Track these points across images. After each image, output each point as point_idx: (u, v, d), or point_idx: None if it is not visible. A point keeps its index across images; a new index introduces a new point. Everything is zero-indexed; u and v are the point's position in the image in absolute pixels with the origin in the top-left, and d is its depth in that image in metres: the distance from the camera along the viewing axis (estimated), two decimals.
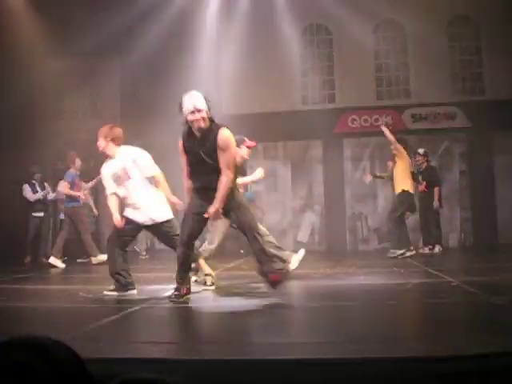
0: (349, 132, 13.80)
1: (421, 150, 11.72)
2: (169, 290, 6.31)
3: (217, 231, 6.80)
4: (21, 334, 1.18)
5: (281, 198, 13.74)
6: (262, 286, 6.45)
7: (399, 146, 10.30)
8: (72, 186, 10.51)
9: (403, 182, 10.27)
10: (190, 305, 5.35)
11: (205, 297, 5.87)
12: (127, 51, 13.13)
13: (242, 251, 12.91)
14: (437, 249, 11.19)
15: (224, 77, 13.72)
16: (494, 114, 12.56)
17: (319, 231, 13.84)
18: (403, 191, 10.19)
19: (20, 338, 1.17)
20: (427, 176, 11.40)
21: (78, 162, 10.61)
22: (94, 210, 11.81)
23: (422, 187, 11.31)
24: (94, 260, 10.40)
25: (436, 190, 11.35)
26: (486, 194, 13.18)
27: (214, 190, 5.12)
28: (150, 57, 12.88)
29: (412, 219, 11.41)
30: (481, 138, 13.09)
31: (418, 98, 13.63)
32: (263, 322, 4.46)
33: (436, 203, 11.31)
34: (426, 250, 11.14)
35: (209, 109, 5.27)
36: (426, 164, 11.59)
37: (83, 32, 11.71)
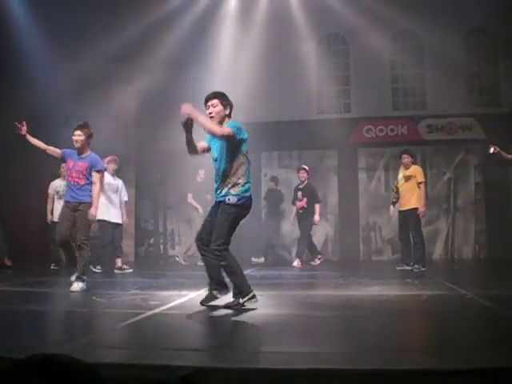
0: (364, 142, 13.79)
1: (305, 166, 11.76)
2: (180, 296, 6.34)
3: None
4: (30, 356, 1.09)
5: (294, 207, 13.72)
6: (275, 295, 6.46)
7: None
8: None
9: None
10: (202, 311, 5.36)
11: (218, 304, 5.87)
12: (143, 59, 13.24)
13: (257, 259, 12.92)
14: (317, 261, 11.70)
15: (240, 86, 13.77)
16: (510, 126, 12.49)
17: (333, 241, 13.81)
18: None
19: (27, 362, 1.08)
20: (307, 192, 11.55)
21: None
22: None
23: (301, 203, 11.53)
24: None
25: (316, 206, 11.55)
26: (501, 207, 13.09)
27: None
28: (165, 65, 12.97)
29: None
30: None
31: (434, 108, 13.60)
32: (275, 331, 4.46)
33: (316, 219, 11.54)
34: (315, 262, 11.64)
35: None
36: (307, 180, 11.67)
37: (101, 39, 11.81)
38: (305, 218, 11.53)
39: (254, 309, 5.28)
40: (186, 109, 5.29)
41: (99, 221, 9.77)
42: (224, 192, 5.40)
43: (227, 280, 5.57)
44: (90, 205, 7.06)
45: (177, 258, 12.50)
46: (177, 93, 13.16)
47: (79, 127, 7.24)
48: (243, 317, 5.06)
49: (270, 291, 7.04)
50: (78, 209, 7.04)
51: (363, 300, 6.42)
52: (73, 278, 7.07)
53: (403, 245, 10.29)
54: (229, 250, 5.36)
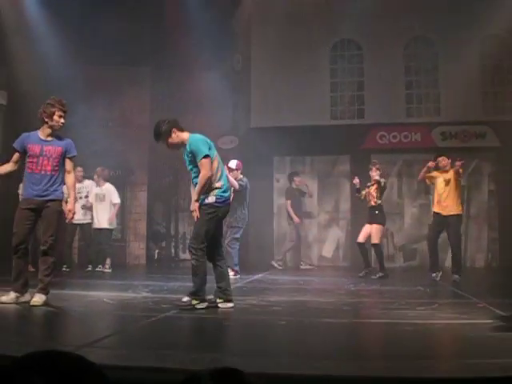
0: (377, 148, 13.74)
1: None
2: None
3: None
4: (34, 352, 1.03)
5: (307, 213, 13.71)
6: (285, 301, 6.46)
7: None
8: None
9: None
10: (213, 315, 5.37)
11: (228, 309, 5.87)
12: (159, 63, 13.31)
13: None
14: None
15: (253, 90, 13.83)
16: None
17: (344, 247, 13.77)
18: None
19: (30, 358, 1.02)
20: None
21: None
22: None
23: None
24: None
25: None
26: None
27: None
28: (180, 69, 13.03)
29: None
30: (510, 158, 12.92)
31: (448, 115, 13.53)
32: (283, 337, 4.46)
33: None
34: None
35: None
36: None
37: (116, 42, 11.87)
38: None
39: (261, 314, 5.27)
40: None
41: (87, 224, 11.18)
42: (203, 196, 5.65)
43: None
44: (60, 202, 6.00)
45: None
46: (189, 96, 13.24)
47: (63, 106, 5.97)
48: (252, 321, 5.06)
49: (279, 296, 7.05)
50: (45, 206, 5.84)
51: (374, 307, 6.41)
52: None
53: (433, 251, 9.70)
54: (204, 251, 5.61)
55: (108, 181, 11.50)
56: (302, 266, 12.53)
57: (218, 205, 5.66)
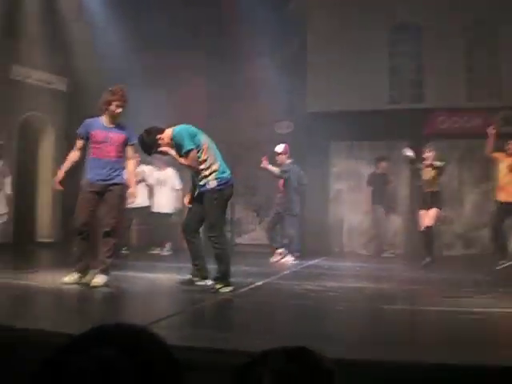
0: (437, 133, 13.43)
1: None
2: (247, 283, 6.39)
3: None
4: (102, 324, 1.01)
5: (364, 199, 13.57)
6: (341, 287, 6.44)
7: None
8: None
9: None
10: (270, 298, 5.40)
11: (282, 292, 5.89)
12: (214, 49, 13.35)
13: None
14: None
15: (310, 75, 13.72)
16: None
17: (403, 234, 13.55)
18: None
19: (99, 329, 1.00)
20: None
21: None
22: None
23: None
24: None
25: None
26: None
27: None
28: (235, 54, 13.03)
29: None
30: None
31: (511, 100, 13.09)
32: (340, 322, 4.45)
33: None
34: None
35: None
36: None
37: (172, 28, 11.96)
38: None
39: (320, 300, 5.26)
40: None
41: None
42: (203, 182, 5.70)
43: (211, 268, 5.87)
44: (123, 186, 6.09)
45: (383, 255, 12.21)
46: (244, 81, 13.23)
47: (123, 95, 6.08)
48: (308, 306, 5.06)
49: (330, 282, 7.03)
50: (108, 190, 6.01)
51: (431, 295, 6.32)
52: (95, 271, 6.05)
53: (498, 238, 9.45)
54: (225, 237, 5.76)
55: (169, 165, 11.61)
56: (384, 254, 12.17)
57: (221, 187, 5.68)
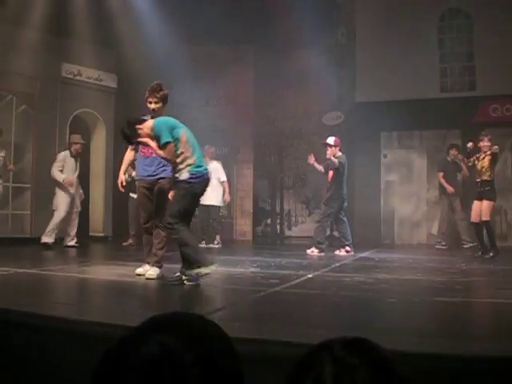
0: (489, 121, 13.09)
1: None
2: (298, 276, 6.38)
3: None
4: (161, 313, 1.02)
5: (415, 190, 13.35)
6: (394, 279, 6.36)
7: None
8: None
9: None
10: (323, 291, 5.37)
11: (333, 285, 5.85)
12: (261, 40, 13.33)
13: None
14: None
15: (359, 64, 13.57)
16: None
17: (455, 225, 13.27)
18: None
19: (159, 319, 1.00)
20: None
21: None
22: None
23: None
24: None
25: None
26: None
27: None
28: (283, 45, 12.98)
29: None
30: None
31: None
32: (393, 314, 4.39)
33: None
34: None
35: None
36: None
37: (219, 21, 11.98)
38: None
39: (372, 293, 5.21)
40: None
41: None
42: (177, 174, 5.67)
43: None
44: (169, 180, 6.11)
45: (436, 246, 11.95)
46: (292, 72, 13.18)
47: (152, 91, 6.18)
48: (360, 298, 5.01)
49: (381, 274, 6.96)
50: (156, 184, 6.24)
51: (489, 286, 6.18)
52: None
53: None
54: (180, 223, 5.56)
55: (215, 159, 11.66)
56: (437, 246, 11.88)
57: (193, 181, 5.62)
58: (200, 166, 5.74)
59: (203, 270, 5.51)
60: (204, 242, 11.43)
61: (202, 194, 5.86)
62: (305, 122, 13.58)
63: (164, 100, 6.18)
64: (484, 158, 9.53)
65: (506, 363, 2.68)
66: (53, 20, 11.43)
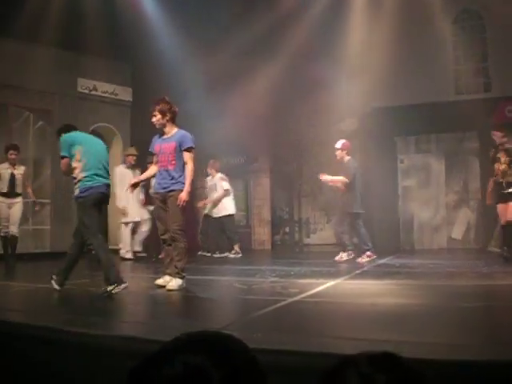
0: (507, 123, 12.96)
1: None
2: (318, 284, 6.34)
3: None
4: (189, 332, 1.03)
5: (434, 193, 13.26)
6: (416, 284, 6.30)
7: None
8: None
9: None
10: (339, 299, 5.32)
11: (354, 292, 5.81)
12: (274, 51, 13.33)
13: None
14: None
15: (373, 68, 13.50)
16: None
17: (475, 228, 13.17)
18: None
19: (186, 338, 1.01)
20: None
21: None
22: None
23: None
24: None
25: None
26: None
27: None
28: (295, 56, 12.97)
29: None
30: None
31: None
32: (412, 321, 4.34)
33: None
34: None
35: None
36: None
37: (232, 32, 12.03)
38: None
39: (390, 298, 5.15)
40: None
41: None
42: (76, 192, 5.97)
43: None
44: (181, 191, 6.16)
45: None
46: (308, 81, 13.16)
47: (152, 106, 6.37)
48: (383, 305, 4.97)
49: (409, 280, 6.90)
50: (168, 196, 6.23)
51: (508, 291, 6.10)
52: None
53: None
54: (93, 238, 5.75)
55: (219, 171, 12.03)
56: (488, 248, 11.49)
57: (82, 194, 5.84)
58: (90, 181, 5.92)
59: (113, 289, 5.54)
60: (218, 252, 11.52)
61: (102, 202, 6.09)
62: (320, 129, 13.56)
63: (163, 113, 6.30)
64: (506, 157, 9.27)
65: None
66: (67, 36, 11.55)
